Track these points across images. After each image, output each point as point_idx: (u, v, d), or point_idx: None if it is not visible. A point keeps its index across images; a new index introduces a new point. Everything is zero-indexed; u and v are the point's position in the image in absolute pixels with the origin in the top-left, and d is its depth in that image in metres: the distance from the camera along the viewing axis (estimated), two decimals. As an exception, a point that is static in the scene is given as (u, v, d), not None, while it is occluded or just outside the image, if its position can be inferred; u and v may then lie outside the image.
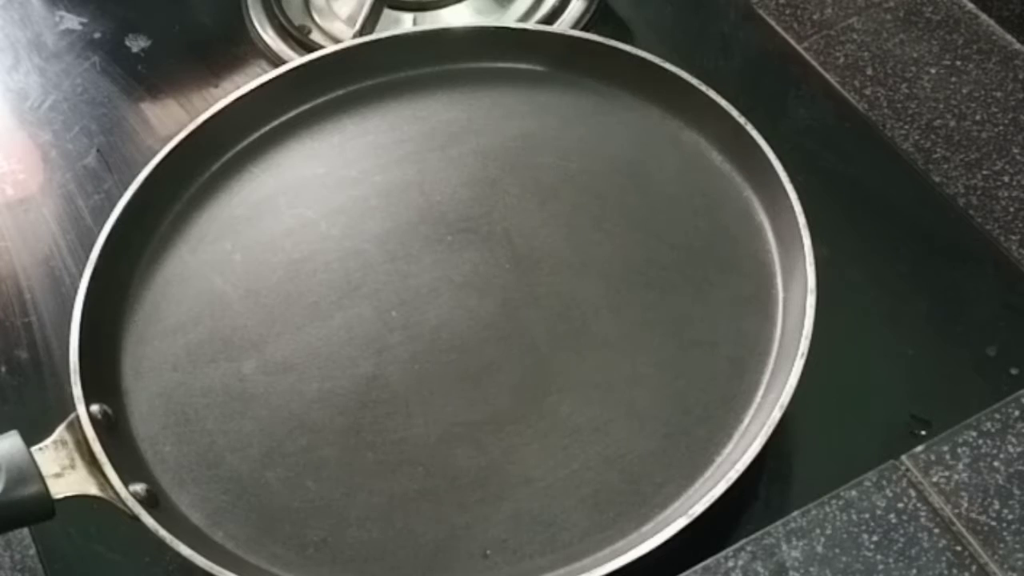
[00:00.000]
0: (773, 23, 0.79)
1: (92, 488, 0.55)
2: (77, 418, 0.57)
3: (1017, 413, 0.53)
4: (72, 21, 0.87)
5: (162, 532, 0.54)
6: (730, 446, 0.57)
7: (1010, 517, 0.50)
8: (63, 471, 0.55)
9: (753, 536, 0.50)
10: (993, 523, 0.49)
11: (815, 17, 0.78)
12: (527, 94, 0.72)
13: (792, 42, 0.77)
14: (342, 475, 0.59)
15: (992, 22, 0.76)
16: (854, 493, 0.51)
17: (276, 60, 0.81)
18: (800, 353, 0.56)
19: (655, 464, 0.57)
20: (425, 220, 0.67)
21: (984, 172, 0.69)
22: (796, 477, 0.60)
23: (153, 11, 0.87)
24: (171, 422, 0.61)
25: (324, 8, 0.84)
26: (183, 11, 0.87)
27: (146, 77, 0.83)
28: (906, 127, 0.71)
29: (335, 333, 0.63)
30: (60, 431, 0.57)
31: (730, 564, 0.50)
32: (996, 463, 0.51)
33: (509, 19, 0.80)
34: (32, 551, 0.62)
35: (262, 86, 0.71)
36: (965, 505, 0.50)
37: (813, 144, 0.72)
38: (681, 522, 0.52)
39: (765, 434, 0.54)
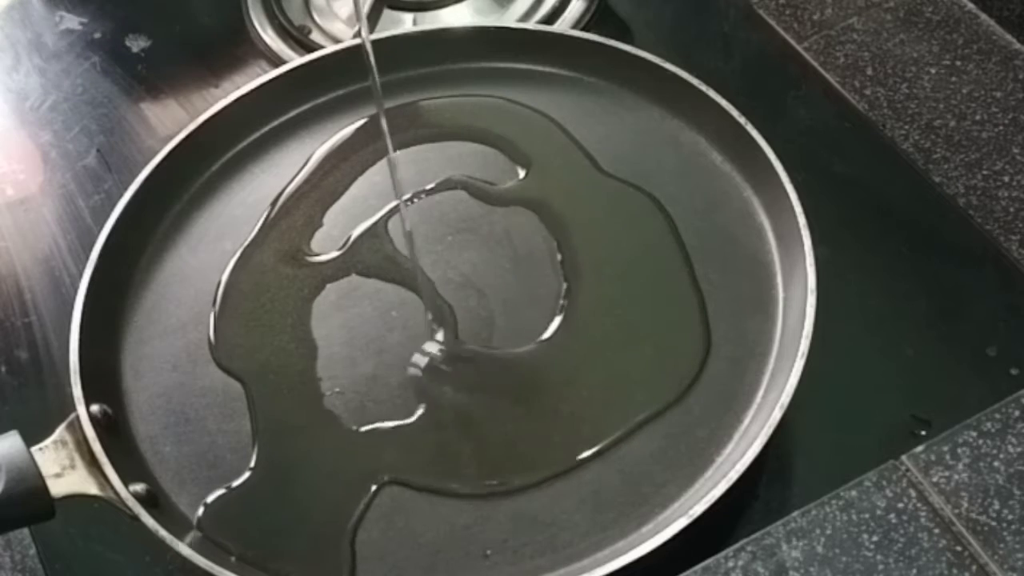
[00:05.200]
0: (773, 23, 0.78)
1: (92, 488, 0.55)
2: (77, 418, 0.57)
3: (1017, 413, 0.53)
4: (72, 21, 0.87)
5: (162, 532, 0.54)
6: (730, 446, 0.57)
7: (1010, 517, 0.50)
8: (63, 471, 0.55)
9: (753, 536, 0.50)
10: (993, 523, 0.49)
11: (815, 17, 0.78)
12: (527, 94, 0.72)
13: (792, 42, 0.77)
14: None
15: (992, 22, 0.76)
16: (854, 493, 0.51)
17: (276, 60, 0.80)
18: (800, 353, 0.56)
19: (655, 464, 0.57)
20: (425, 220, 0.67)
21: (984, 172, 0.69)
22: (796, 477, 0.60)
23: (153, 11, 0.87)
24: (171, 422, 0.61)
25: (324, 8, 0.84)
26: (183, 11, 0.87)
27: (146, 77, 0.83)
28: (906, 127, 0.71)
29: (335, 333, 0.63)
30: (60, 431, 0.57)
31: (730, 564, 0.50)
32: (996, 463, 0.51)
33: (509, 19, 0.80)
34: (32, 551, 0.62)
35: (262, 86, 0.71)
36: (965, 505, 0.50)
37: (813, 144, 0.72)
38: (681, 522, 0.52)
39: (765, 434, 0.54)
